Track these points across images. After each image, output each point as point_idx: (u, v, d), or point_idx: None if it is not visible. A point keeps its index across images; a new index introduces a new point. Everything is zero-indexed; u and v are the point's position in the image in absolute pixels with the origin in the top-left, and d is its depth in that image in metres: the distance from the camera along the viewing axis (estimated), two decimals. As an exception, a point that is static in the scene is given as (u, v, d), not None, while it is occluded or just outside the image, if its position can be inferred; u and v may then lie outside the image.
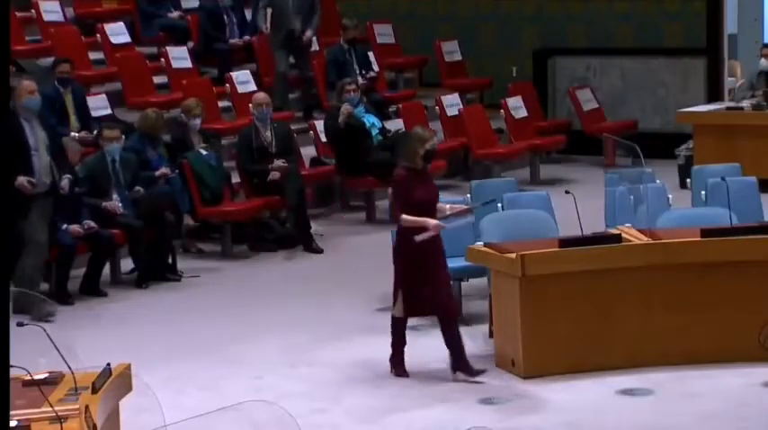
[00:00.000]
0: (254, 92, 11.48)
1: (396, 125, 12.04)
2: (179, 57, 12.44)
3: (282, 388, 7.12)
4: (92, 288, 9.26)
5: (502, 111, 13.00)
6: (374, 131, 11.40)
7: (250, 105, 10.85)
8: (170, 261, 9.74)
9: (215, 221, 10.57)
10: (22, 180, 8.31)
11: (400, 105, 12.84)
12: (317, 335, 8.11)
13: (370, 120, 11.45)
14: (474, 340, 7.85)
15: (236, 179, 10.86)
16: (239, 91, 12.15)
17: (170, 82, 12.38)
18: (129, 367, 5.44)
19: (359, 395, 7.04)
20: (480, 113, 12.87)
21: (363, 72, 12.69)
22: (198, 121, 10.51)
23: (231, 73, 12.34)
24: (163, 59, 12.44)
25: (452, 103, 12.88)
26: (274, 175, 10.50)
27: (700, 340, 7.25)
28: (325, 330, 8.19)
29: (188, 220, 10.47)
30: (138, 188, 9.66)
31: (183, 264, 9.91)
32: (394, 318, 7.12)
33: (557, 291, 7.06)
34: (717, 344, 7.24)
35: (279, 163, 10.53)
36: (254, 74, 12.53)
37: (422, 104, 12.88)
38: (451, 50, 14.19)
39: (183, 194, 10.20)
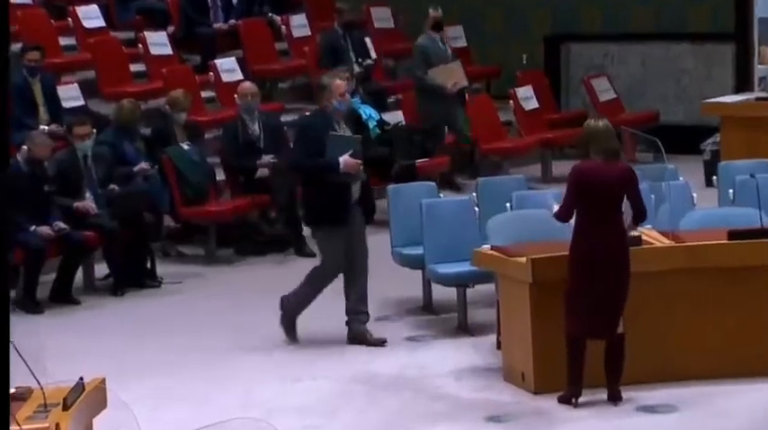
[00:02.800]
0: (240, 81, 11.48)
1: (395, 118, 12.04)
2: (158, 42, 12.44)
3: (272, 403, 7.12)
4: (63, 295, 9.26)
5: (511, 102, 13.00)
6: (371, 124, 11.41)
7: (236, 96, 10.86)
8: (148, 265, 9.75)
9: (198, 222, 10.57)
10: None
11: (400, 96, 12.84)
12: (309, 345, 8.11)
13: (367, 112, 11.46)
14: (480, 352, 7.86)
15: (220, 176, 10.86)
16: (224, 80, 12.16)
17: (148, 70, 12.39)
18: (103, 381, 5.45)
19: (356, 411, 7.03)
20: (487, 105, 12.88)
21: (360, 59, 12.69)
22: (183, 115, 10.52)
23: (215, 60, 12.35)
24: (140, 45, 12.45)
25: (457, 93, 12.86)
26: (263, 172, 10.51)
27: (728, 352, 7.25)
28: (319, 340, 8.18)
29: (168, 221, 10.48)
30: (112, 186, 9.66)
31: (162, 268, 9.91)
32: (622, 336, 6.91)
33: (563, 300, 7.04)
34: (746, 356, 7.24)
35: (267, 159, 10.54)
36: (240, 61, 12.54)
37: (423, 95, 12.87)
38: (455, 36, 14.19)
39: (163, 193, 10.20)
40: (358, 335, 8.07)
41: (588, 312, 6.83)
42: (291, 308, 8.18)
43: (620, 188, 6.87)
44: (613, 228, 6.84)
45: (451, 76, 12.00)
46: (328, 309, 8.84)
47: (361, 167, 7.99)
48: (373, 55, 12.98)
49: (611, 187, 6.84)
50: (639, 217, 6.98)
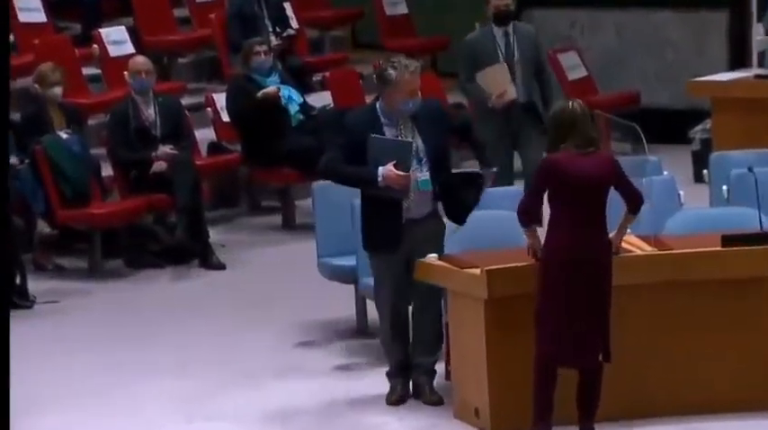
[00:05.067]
0: (131, 55, 11.45)
1: (321, 100, 12.07)
2: (28, 8, 12.38)
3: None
4: None
5: (461, 80, 13.04)
6: (293, 109, 11.43)
7: (126, 73, 10.82)
8: (18, 281, 9.69)
9: (79, 228, 10.54)
10: None
11: (327, 74, 12.87)
12: (217, 378, 8.11)
13: (287, 93, 11.47)
14: (426, 383, 7.88)
15: (107, 171, 10.83)
16: (111, 54, 12.12)
17: (17, 41, 12.30)
18: (-36, 423, 5.40)
19: (274, 457, 7.07)
20: (433, 84, 12.91)
21: (278, 29, 12.71)
22: (57, 91, 10.45)
23: (100, 30, 12.30)
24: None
25: (396, 70, 12.90)
26: (160, 166, 10.49)
27: (723, 381, 7.32)
28: (229, 372, 8.19)
29: (42, 226, 10.43)
30: (-26, 184, 9.61)
31: (35, 285, 9.86)
32: (600, 364, 6.97)
33: (533, 317, 7.10)
34: (745, 385, 7.31)
35: (165, 149, 10.52)
36: (130, 31, 12.50)
37: (356, 72, 12.92)
38: (394, 1, 14.25)
39: (36, 192, 10.16)
40: (415, 388, 7.69)
41: (563, 331, 6.87)
42: (387, 357, 7.76)
43: (600, 183, 6.94)
44: (591, 230, 6.91)
45: (497, 83, 10.47)
46: (248, 335, 8.83)
47: (422, 178, 7.47)
48: (294, 24, 12.99)
49: (588, 183, 6.89)
50: (636, 204, 7.07)
